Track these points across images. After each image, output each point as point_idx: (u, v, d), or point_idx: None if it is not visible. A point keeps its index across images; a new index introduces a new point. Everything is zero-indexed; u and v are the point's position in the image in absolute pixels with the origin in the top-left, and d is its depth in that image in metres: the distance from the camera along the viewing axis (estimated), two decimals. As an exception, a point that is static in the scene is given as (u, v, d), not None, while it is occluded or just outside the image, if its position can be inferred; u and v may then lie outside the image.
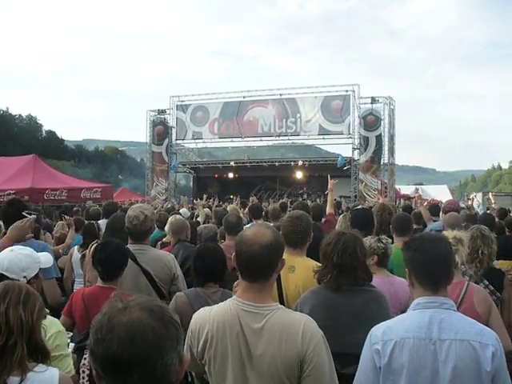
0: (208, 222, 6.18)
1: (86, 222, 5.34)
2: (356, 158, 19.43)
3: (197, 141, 22.05)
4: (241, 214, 6.13)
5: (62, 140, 54.03)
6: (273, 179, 23.10)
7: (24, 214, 3.10)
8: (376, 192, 18.12)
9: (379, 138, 19.02)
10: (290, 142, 25.00)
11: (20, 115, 50.73)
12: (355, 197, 18.64)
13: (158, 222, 5.42)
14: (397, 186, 22.74)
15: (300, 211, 3.13)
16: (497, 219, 6.50)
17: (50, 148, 44.02)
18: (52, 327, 1.97)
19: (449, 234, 2.60)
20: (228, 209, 6.89)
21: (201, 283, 2.70)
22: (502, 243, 3.54)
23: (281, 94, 20.62)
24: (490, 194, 14.31)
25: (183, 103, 21.88)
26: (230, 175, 22.13)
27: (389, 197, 17.35)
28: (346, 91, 19.52)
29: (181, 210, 7.44)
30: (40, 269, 2.19)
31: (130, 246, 3.10)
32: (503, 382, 1.66)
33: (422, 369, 1.66)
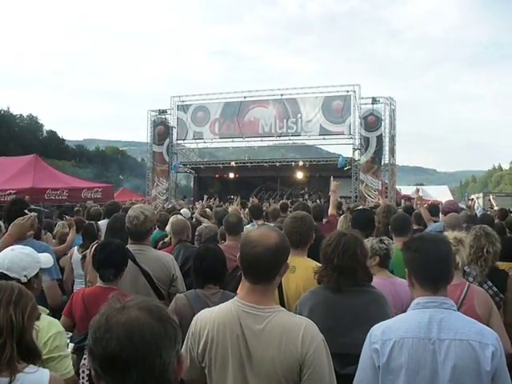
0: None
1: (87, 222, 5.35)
2: (357, 159, 19.39)
3: (197, 141, 22.02)
4: (241, 215, 6.12)
5: (63, 140, 54.14)
6: (273, 179, 23.05)
7: (25, 211, 3.10)
8: (376, 192, 18.12)
9: (380, 139, 18.99)
10: (291, 142, 24.99)
11: (21, 115, 50.88)
12: (356, 197, 18.62)
13: (159, 223, 5.42)
14: (397, 187, 22.72)
15: (303, 212, 3.12)
16: (497, 220, 6.50)
17: (51, 148, 44.07)
18: (52, 328, 1.96)
19: (449, 234, 2.60)
20: (229, 210, 6.88)
21: (200, 284, 2.68)
22: (506, 244, 3.47)
23: (281, 94, 20.57)
24: (491, 196, 14.25)
25: (184, 103, 21.85)
26: (231, 175, 22.11)
27: (389, 197, 17.34)
28: (347, 91, 19.49)
29: (182, 211, 7.44)
30: (41, 269, 2.19)
31: (130, 247, 3.09)
32: (503, 381, 1.65)
33: (421, 368, 1.66)
